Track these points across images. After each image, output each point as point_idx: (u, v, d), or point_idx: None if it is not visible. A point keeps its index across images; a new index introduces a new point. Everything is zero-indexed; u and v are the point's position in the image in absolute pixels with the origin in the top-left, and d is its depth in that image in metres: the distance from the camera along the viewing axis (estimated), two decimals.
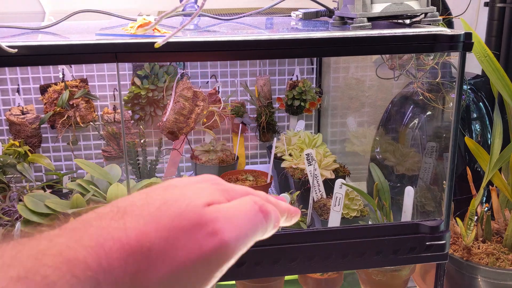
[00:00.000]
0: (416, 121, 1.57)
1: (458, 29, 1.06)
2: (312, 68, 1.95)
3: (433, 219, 1.10)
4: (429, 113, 1.54)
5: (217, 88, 1.84)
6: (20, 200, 1.41)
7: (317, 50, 1.03)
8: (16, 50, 0.83)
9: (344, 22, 1.19)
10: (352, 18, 1.12)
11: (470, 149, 1.29)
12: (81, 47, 0.88)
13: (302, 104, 1.84)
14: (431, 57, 1.30)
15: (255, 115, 1.90)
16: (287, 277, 1.26)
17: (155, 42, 0.86)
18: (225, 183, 0.44)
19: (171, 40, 0.92)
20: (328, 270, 1.20)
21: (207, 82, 1.89)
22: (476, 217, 1.32)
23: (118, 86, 0.98)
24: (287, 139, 1.80)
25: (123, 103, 1.75)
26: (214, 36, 0.94)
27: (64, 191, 1.64)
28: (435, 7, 1.09)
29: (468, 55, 1.28)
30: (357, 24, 1.08)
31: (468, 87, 1.62)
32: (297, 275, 1.30)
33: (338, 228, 1.18)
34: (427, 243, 1.09)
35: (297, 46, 1.00)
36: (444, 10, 1.48)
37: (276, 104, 1.89)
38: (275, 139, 1.71)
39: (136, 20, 1.10)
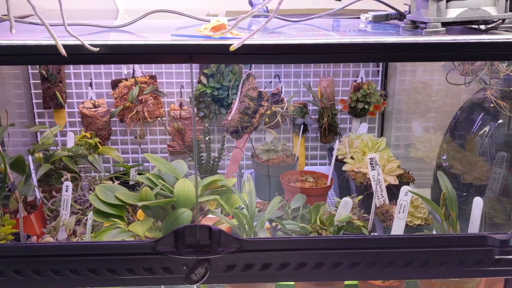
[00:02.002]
0: (486, 129, 1.52)
1: None
2: (378, 71, 1.92)
3: (504, 232, 1.06)
4: (500, 121, 1.48)
5: (280, 88, 1.85)
6: (91, 190, 1.49)
7: (388, 55, 1.02)
8: (98, 49, 0.87)
9: (416, 26, 1.16)
10: (424, 23, 1.10)
11: None
12: (157, 48, 0.91)
13: (366, 107, 1.82)
14: (506, 64, 1.25)
15: (317, 116, 1.90)
16: (346, 282, 1.25)
17: (229, 44, 0.88)
18: None
19: (244, 42, 0.94)
20: (391, 277, 1.18)
21: (270, 82, 1.90)
22: None
23: (191, 87, 1.00)
24: (349, 141, 1.79)
25: (188, 100, 1.80)
26: (285, 39, 0.94)
27: (131, 183, 1.70)
28: None
29: None
30: (431, 29, 1.06)
31: None
32: (357, 281, 1.29)
33: (403, 236, 1.16)
34: (495, 256, 1.05)
35: (368, 50, 0.99)
36: None
37: (339, 106, 1.88)
38: (337, 141, 1.70)
39: (208, 21, 1.13)
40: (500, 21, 1.10)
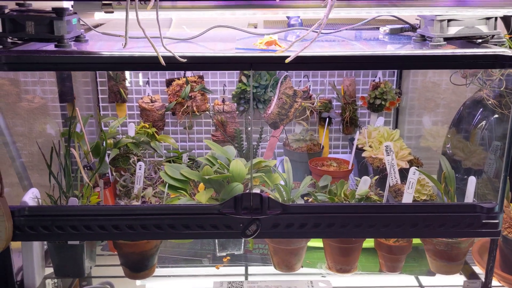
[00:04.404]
0: (484, 122, 1.81)
1: None
2: (393, 72, 2.21)
3: (490, 202, 1.36)
4: (496, 116, 1.77)
5: (308, 87, 2.16)
6: (155, 170, 1.81)
7: (401, 64, 1.32)
8: (185, 60, 1.19)
9: (424, 39, 1.46)
10: (431, 37, 1.39)
11: None
12: (227, 59, 1.23)
13: (383, 103, 2.12)
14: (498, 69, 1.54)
15: (340, 111, 2.20)
16: (365, 245, 1.56)
17: (278, 56, 1.19)
18: None
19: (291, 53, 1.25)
20: (400, 236, 1.48)
21: (300, 81, 2.21)
22: None
23: (251, 87, 1.31)
24: (367, 132, 2.09)
25: (230, 96, 2.12)
26: (325, 51, 1.25)
27: (183, 165, 2.02)
28: (501, 31, 1.34)
29: None
30: (435, 43, 1.36)
31: None
32: (373, 244, 1.60)
33: (410, 203, 1.47)
34: (483, 221, 1.35)
35: (386, 61, 1.29)
36: None
37: (360, 102, 2.18)
38: (357, 132, 2.00)
39: (260, 35, 1.44)
40: (490, 36, 1.40)
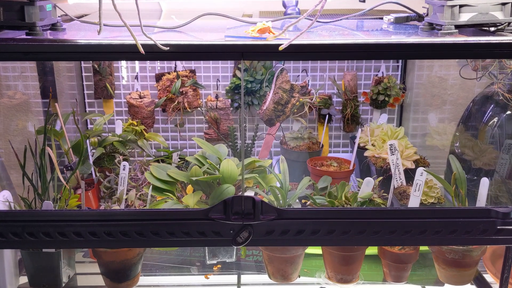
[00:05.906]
0: (495, 119, 1.68)
1: None
2: (397, 66, 2.08)
3: (505, 206, 1.23)
4: (508, 112, 1.65)
5: (307, 82, 2.03)
6: (142, 170, 1.69)
7: (409, 54, 1.19)
8: (168, 48, 1.06)
9: (432, 27, 1.33)
10: (440, 25, 1.27)
11: None
12: (215, 47, 1.10)
13: (386, 99, 1.99)
14: None
15: (341, 107, 2.07)
16: (368, 252, 1.43)
17: (272, 45, 1.07)
18: None
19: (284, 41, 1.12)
20: (408, 244, 1.36)
21: (298, 75, 2.08)
22: None
23: (241, 81, 1.19)
24: (370, 130, 1.96)
25: (224, 92, 1.99)
26: (324, 39, 1.13)
27: (173, 165, 1.90)
28: None
29: None
30: (445, 31, 1.23)
31: None
32: (376, 251, 1.47)
33: (419, 208, 1.34)
34: (498, 227, 1.22)
35: (391, 49, 1.17)
36: None
37: (361, 98, 2.05)
38: (359, 129, 1.88)
39: (250, 23, 1.32)
40: (506, 24, 1.27)
